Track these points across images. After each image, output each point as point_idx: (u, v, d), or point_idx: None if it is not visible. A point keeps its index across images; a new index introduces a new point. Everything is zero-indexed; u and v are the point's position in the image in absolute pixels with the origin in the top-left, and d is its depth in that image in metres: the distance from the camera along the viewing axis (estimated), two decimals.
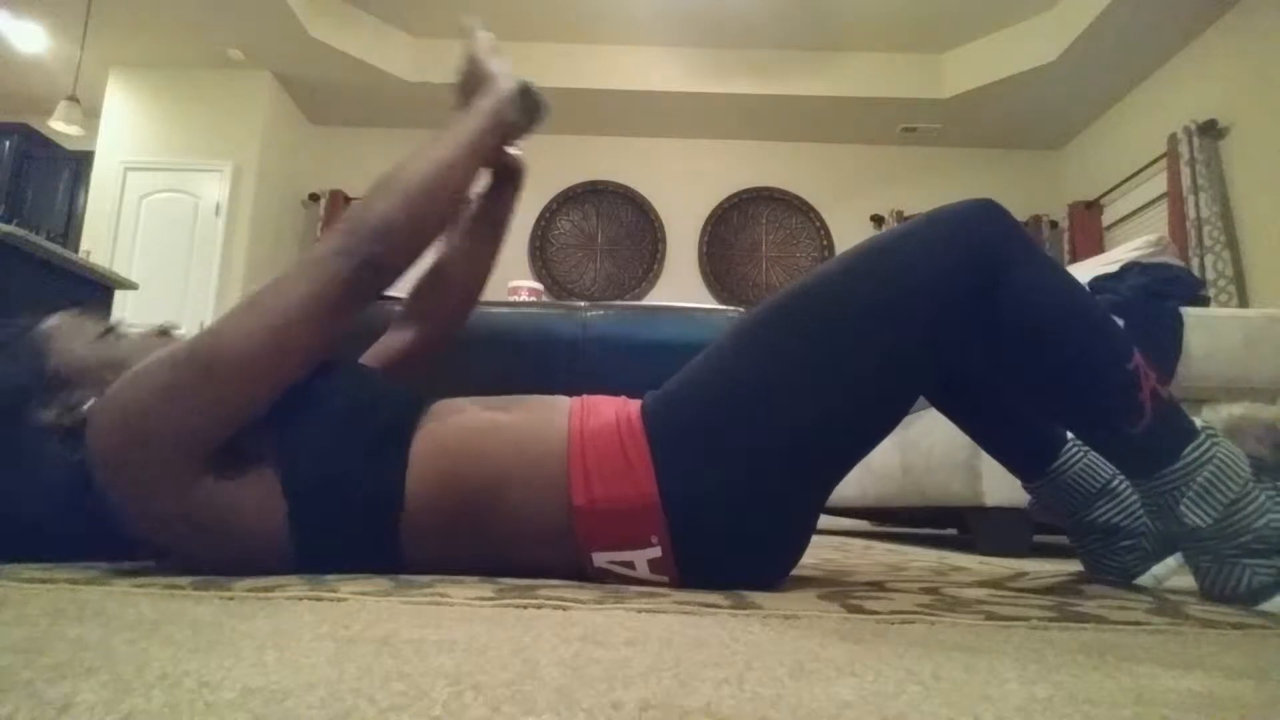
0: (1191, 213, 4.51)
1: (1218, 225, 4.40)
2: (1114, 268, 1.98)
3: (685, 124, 6.19)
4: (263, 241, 5.79)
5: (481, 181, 1.02)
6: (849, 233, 6.18)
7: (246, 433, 0.74)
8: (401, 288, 0.96)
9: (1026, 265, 0.79)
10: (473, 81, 0.95)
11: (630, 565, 0.78)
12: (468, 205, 1.06)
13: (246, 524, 0.74)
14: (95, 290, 3.18)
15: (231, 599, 0.62)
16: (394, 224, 0.77)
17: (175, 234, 5.50)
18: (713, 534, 0.77)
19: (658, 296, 6.19)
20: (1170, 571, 0.94)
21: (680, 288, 6.17)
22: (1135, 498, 0.94)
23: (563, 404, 0.86)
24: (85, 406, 0.79)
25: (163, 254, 5.43)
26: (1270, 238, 4.20)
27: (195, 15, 5.07)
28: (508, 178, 1.08)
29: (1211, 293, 4.26)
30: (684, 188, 6.35)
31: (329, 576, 0.75)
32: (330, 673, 0.39)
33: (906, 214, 6.07)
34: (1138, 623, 0.65)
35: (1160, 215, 5.03)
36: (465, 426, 0.82)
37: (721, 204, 6.36)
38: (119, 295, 3.57)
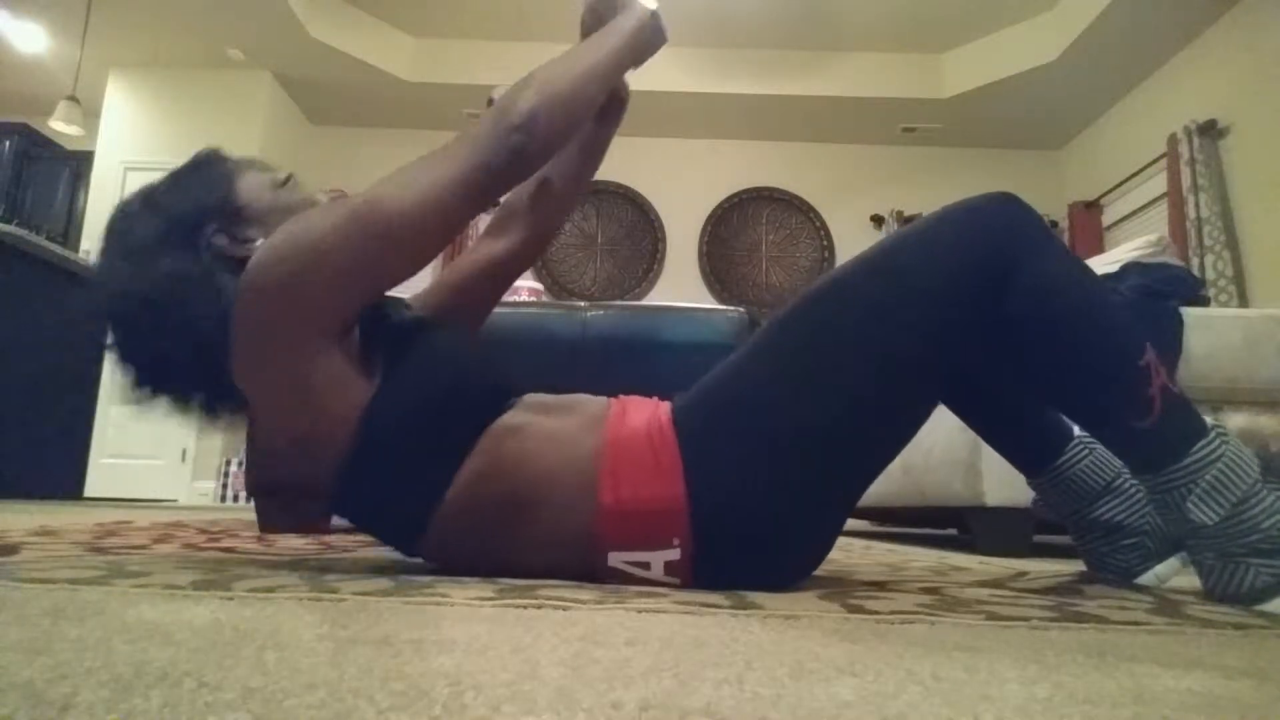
0: (1191, 213, 4.51)
1: (1218, 225, 4.40)
2: (1114, 268, 1.99)
3: (685, 124, 6.19)
4: None
5: None
6: (849, 233, 6.18)
7: (371, 352, 0.80)
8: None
9: (1041, 258, 0.79)
10: (607, 3, 0.99)
11: (646, 566, 0.78)
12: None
13: (317, 421, 0.78)
14: None
15: (231, 599, 0.62)
16: (540, 115, 0.80)
17: None
18: (735, 537, 0.77)
19: (658, 296, 6.19)
20: (1173, 571, 0.94)
21: (680, 288, 6.17)
22: (1139, 496, 0.94)
23: (600, 406, 0.87)
24: (256, 243, 0.85)
25: None
26: (1270, 238, 4.20)
27: (195, 15, 5.07)
28: (616, 104, 1.10)
29: (1211, 293, 4.26)
30: (684, 188, 6.35)
31: (329, 576, 0.75)
32: (330, 673, 0.39)
33: (907, 214, 6.07)
34: (1138, 623, 0.65)
35: (1160, 215, 5.04)
36: (508, 430, 0.83)
37: (721, 204, 6.36)
38: None
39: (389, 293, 0.85)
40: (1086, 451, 0.96)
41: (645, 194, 6.37)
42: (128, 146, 5.66)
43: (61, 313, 3.08)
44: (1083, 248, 5.66)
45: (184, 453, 5.29)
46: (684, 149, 6.41)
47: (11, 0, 5.20)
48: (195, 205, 0.85)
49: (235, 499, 5.21)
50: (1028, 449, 1.00)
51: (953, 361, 0.83)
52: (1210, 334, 1.78)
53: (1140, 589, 0.92)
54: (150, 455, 5.24)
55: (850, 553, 1.59)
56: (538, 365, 1.75)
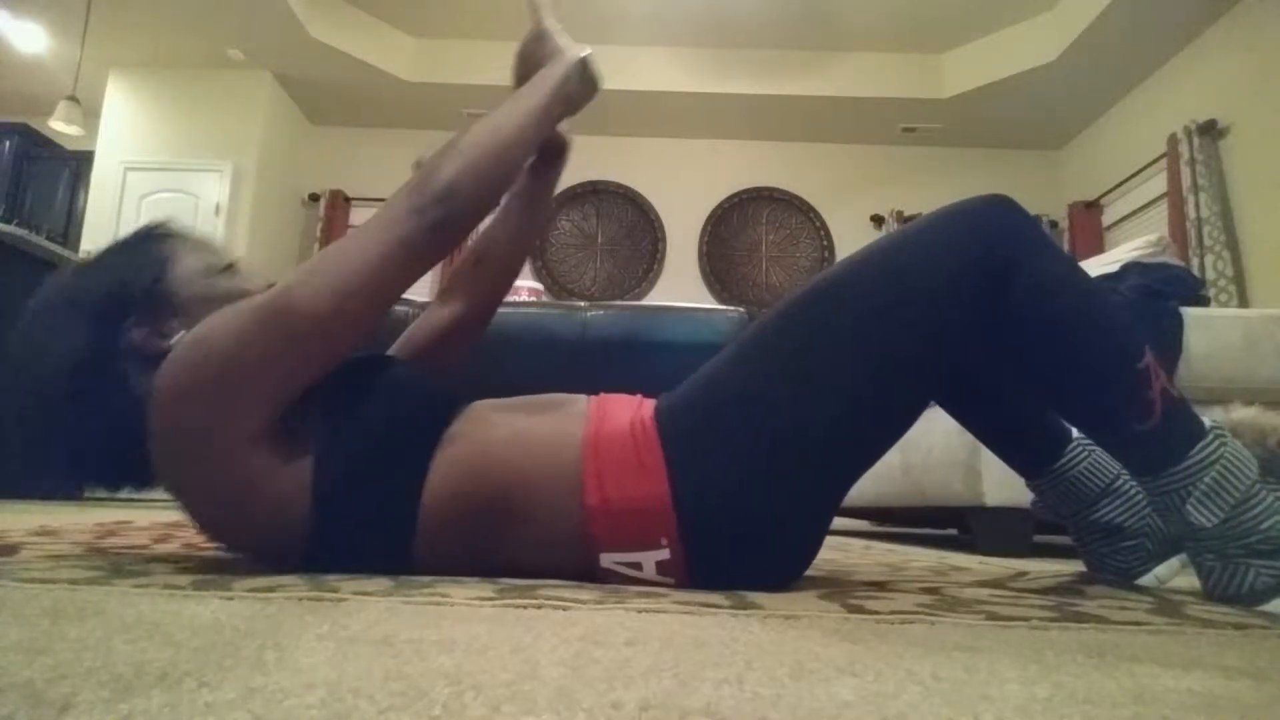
0: (1191, 213, 4.51)
1: (1218, 225, 4.40)
2: (1114, 268, 1.99)
3: (685, 124, 6.20)
4: (263, 242, 5.79)
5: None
6: (849, 233, 6.18)
7: (298, 422, 0.76)
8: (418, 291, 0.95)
9: (1039, 260, 0.79)
10: (537, 52, 0.94)
11: (638, 566, 0.78)
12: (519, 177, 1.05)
13: (267, 509, 0.75)
14: None
15: (231, 599, 0.62)
16: (461, 187, 0.77)
17: None
18: (723, 535, 0.77)
19: (658, 296, 6.19)
20: (1173, 572, 0.94)
21: (680, 288, 6.17)
22: (1139, 498, 0.94)
23: (580, 405, 0.86)
24: (174, 339, 0.81)
25: None
26: (1270, 238, 4.20)
27: (195, 15, 5.07)
28: (554, 153, 1.06)
29: (1211, 293, 4.26)
30: (684, 188, 6.35)
31: (329, 576, 0.75)
32: (330, 673, 0.39)
33: (907, 214, 6.07)
34: (1138, 623, 0.65)
35: (1160, 215, 5.04)
36: (482, 436, 0.81)
37: (721, 204, 6.36)
38: None
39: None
40: (1085, 453, 0.96)
41: (645, 194, 6.37)
42: (128, 146, 5.66)
43: None
44: (1083, 248, 5.66)
45: None
46: (684, 149, 6.41)
47: (11, 0, 5.20)
48: (117, 290, 0.81)
49: None
50: (1027, 451, 0.99)
51: (951, 362, 0.82)
52: (1210, 334, 1.78)
53: (1140, 590, 0.92)
54: None
55: (850, 553, 1.59)
56: (538, 365, 1.75)
